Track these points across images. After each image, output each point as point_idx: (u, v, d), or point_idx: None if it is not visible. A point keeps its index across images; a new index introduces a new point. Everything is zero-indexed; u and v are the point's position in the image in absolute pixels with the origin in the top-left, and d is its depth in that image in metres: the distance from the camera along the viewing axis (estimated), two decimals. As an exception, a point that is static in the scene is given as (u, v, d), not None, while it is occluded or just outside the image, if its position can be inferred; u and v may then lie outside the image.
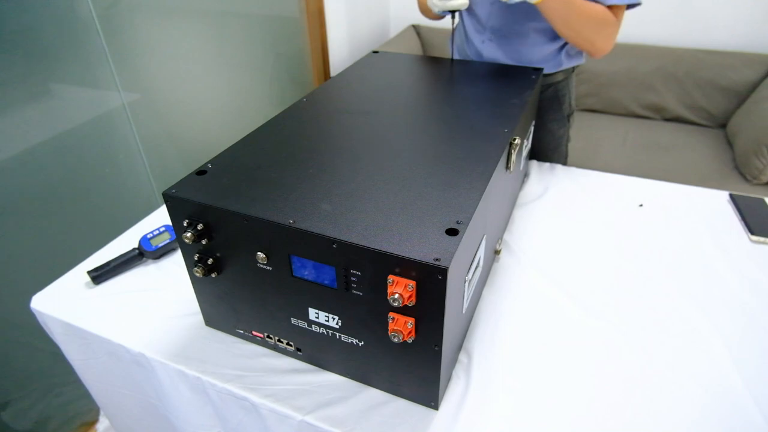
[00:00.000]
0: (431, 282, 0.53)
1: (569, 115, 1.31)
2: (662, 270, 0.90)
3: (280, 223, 0.59)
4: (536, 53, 1.17)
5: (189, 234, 0.64)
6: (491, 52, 1.20)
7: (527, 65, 1.13)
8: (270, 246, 0.62)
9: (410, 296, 0.55)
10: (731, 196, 1.09)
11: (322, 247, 0.58)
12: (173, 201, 0.65)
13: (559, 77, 1.24)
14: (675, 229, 1.00)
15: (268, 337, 0.74)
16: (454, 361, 0.72)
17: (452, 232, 0.56)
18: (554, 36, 1.15)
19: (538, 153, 1.31)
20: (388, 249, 0.54)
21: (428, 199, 0.62)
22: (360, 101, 0.93)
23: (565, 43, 1.17)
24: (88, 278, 0.89)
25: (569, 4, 1.00)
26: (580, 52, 1.21)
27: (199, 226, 0.65)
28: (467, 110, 0.88)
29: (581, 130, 2.38)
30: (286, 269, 0.63)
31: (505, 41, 1.17)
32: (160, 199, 0.67)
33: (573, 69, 1.26)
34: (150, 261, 0.94)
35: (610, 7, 1.02)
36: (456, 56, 1.31)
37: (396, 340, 0.57)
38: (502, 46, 1.18)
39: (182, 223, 0.66)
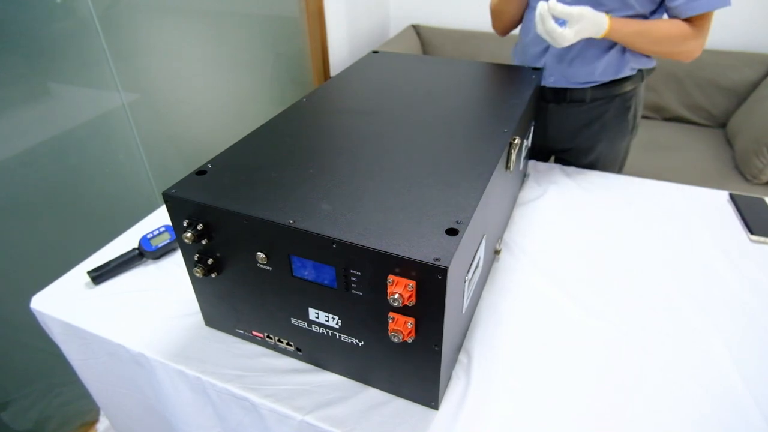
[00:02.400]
0: (431, 282, 0.53)
1: (633, 129, 1.25)
2: (662, 270, 0.90)
3: (280, 223, 0.59)
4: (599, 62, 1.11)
5: (189, 234, 0.64)
6: (552, 65, 1.16)
7: (588, 73, 1.12)
8: (270, 246, 0.62)
9: (410, 296, 0.55)
10: (731, 195, 1.09)
11: (322, 247, 0.58)
12: (173, 201, 0.65)
13: (627, 87, 1.16)
14: (675, 229, 1.00)
15: (268, 337, 0.74)
16: (454, 361, 0.72)
17: (452, 231, 0.56)
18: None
19: (593, 166, 1.26)
20: (388, 249, 0.54)
21: (428, 199, 0.62)
22: (360, 101, 0.93)
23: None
24: (88, 278, 0.89)
25: (638, 34, 1.00)
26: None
27: (199, 226, 0.65)
28: (467, 110, 0.88)
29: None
30: (286, 269, 0.63)
31: (565, 50, 1.12)
32: (160, 199, 0.67)
33: (642, 76, 1.17)
34: (150, 261, 0.94)
35: (689, 18, 1.00)
36: (517, 62, 1.27)
37: (396, 340, 0.57)
38: (562, 56, 1.14)
39: (182, 223, 0.66)
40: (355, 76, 1.05)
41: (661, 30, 1.02)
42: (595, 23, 0.98)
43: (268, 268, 0.64)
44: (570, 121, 1.23)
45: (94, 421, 1.50)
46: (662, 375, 0.71)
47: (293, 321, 0.68)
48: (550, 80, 1.18)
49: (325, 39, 2.33)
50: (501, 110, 0.87)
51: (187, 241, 0.65)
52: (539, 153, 1.33)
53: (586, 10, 0.97)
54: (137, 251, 0.92)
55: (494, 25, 1.27)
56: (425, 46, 2.81)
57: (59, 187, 1.28)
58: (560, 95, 1.20)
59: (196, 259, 0.69)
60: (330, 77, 1.20)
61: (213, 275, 0.70)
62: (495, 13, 1.24)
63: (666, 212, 1.05)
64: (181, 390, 0.76)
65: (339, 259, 0.58)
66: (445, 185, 0.65)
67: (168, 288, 0.87)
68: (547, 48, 1.14)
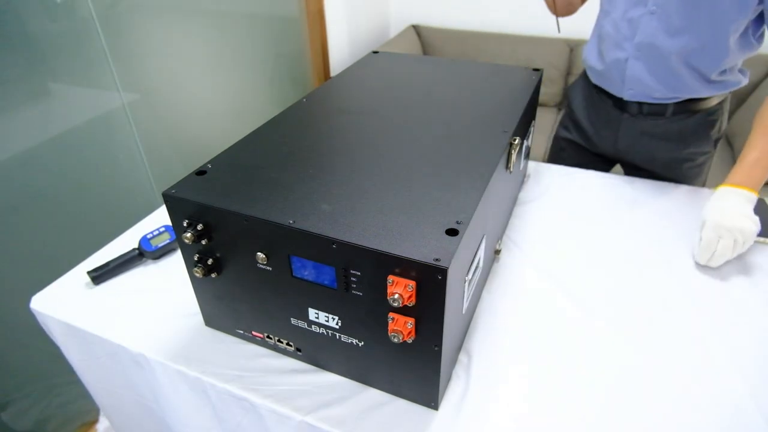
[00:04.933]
0: (431, 282, 0.53)
1: (716, 141, 1.13)
2: (662, 270, 0.90)
3: (280, 223, 0.59)
4: (690, 83, 1.02)
5: (189, 234, 0.64)
6: (636, 71, 1.04)
7: (679, 91, 1.03)
8: (270, 246, 0.62)
9: (410, 296, 0.54)
10: (731, 196, 1.08)
11: (321, 248, 0.58)
12: (173, 201, 0.65)
13: (713, 101, 1.06)
14: (675, 229, 1.00)
15: (268, 337, 0.74)
16: (454, 361, 0.72)
17: (452, 232, 0.56)
18: (712, 69, 0.99)
19: (672, 180, 1.15)
20: (388, 249, 0.54)
21: (428, 199, 0.62)
22: (360, 101, 0.93)
23: (725, 69, 1.00)
24: (88, 278, 0.88)
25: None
26: (743, 72, 1.05)
27: (199, 227, 0.65)
28: (467, 110, 0.88)
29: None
30: (285, 269, 0.63)
31: (653, 62, 1.01)
32: (160, 199, 0.67)
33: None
34: (150, 261, 0.94)
35: None
36: (590, 63, 1.15)
37: (396, 340, 0.57)
38: (649, 66, 1.02)
39: (182, 224, 0.66)
40: (355, 76, 1.05)
41: None
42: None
43: (267, 268, 0.64)
44: (646, 135, 1.13)
45: (94, 421, 1.50)
46: (662, 376, 0.71)
47: (293, 321, 0.68)
48: (628, 93, 1.08)
49: (325, 39, 2.33)
50: (501, 111, 0.87)
51: (187, 241, 0.65)
52: (607, 161, 1.24)
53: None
54: (137, 251, 0.92)
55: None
56: (425, 46, 2.81)
57: (59, 187, 1.28)
58: (636, 107, 1.10)
59: (196, 259, 0.69)
60: (330, 77, 1.20)
61: (213, 275, 0.70)
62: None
63: (666, 212, 1.05)
64: (180, 390, 0.76)
65: (339, 259, 0.58)
66: (446, 185, 0.65)
67: (168, 288, 0.87)
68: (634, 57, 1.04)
